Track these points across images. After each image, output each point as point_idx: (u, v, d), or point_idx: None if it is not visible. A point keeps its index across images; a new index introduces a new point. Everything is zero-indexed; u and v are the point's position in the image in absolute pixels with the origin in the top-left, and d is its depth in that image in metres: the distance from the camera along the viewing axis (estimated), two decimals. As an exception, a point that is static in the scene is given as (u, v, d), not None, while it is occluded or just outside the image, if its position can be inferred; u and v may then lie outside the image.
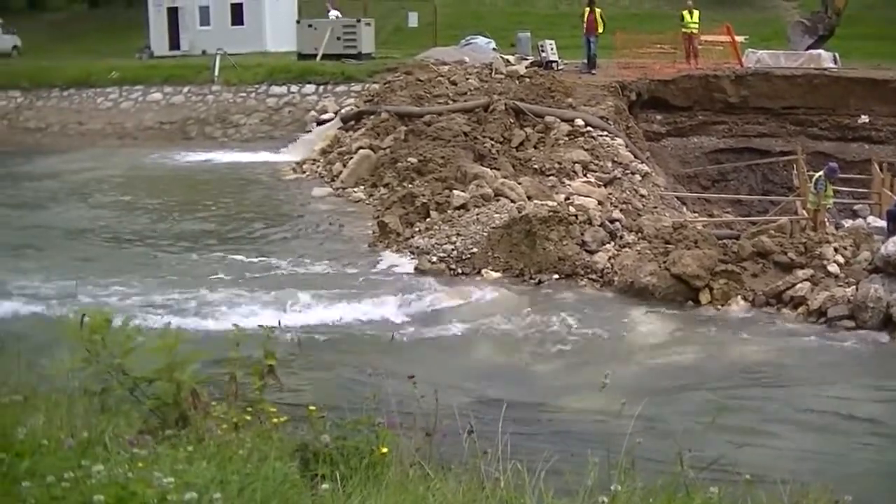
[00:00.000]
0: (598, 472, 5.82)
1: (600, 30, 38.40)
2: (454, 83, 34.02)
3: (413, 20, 54.20)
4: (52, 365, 7.66)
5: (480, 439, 6.56)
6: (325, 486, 5.55)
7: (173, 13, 57.27)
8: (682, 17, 39.61)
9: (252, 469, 5.66)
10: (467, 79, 34.48)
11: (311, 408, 6.89)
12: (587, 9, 38.79)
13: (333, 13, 48.14)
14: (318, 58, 43.31)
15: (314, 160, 32.18)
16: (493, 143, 27.77)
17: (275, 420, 7.04)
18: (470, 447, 6.47)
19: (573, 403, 12.85)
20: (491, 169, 25.33)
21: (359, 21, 45.22)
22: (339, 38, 44.03)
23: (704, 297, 18.86)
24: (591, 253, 20.63)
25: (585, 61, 38.35)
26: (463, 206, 22.62)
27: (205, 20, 56.65)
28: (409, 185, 24.61)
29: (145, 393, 7.23)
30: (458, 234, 21.15)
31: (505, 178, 24.68)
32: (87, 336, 7.17)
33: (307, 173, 31.32)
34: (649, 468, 6.23)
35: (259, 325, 8.15)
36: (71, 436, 6.16)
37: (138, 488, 4.90)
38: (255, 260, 20.84)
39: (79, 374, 7.35)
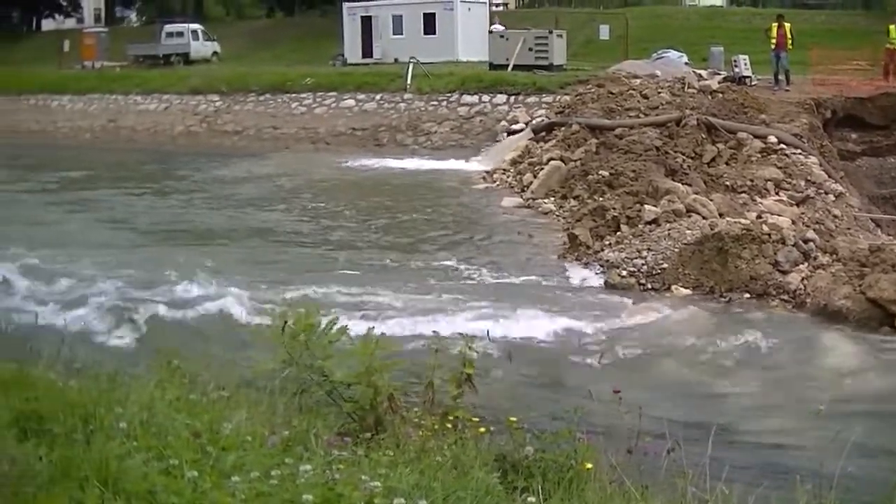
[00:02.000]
0: (809, 499, 5.67)
1: (790, 45, 37.68)
2: (646, 97, 33.79)
3: (604, 33, 53.97)
4: (257, 366, 7.84)
5: (680, 459, 6.45)
6: (531, 499, 5.52)
7: (367, 22, 58.29)
8: (889, 32, 38.44)
9: (454, 477, 5.67)
10: (659, 93, 34.20)
11: (512, 419, 6.88)
12: (775, 24, 38.12)
13: (497, 26, 48.55)
14: (510, 68, 43.52)
15: (504, 170, 32.28)
16: (684, 158, 27.40)
17: (481, 430, 7.05)
18: (670, 466, 6.37)
19: (773, 426, 12.56)
20: (682, 184, 25.00)
21: (551, 32, 45.31)
22: (530, 49, 44.19)
23: (901, 323, 18.27)
24: (784, 273, 20.14)
25: (774, 77, 37.66)
26: (654, 221, 22.34)
27: (397, 29, 57.49)
28: (600, 198, 24.45)
29: (342, 396, 7.34)
30: (648, 249, 20.89)
31: (696, 193, 24.33)
32: (288, 338, 7.32)
33: (497, 183, 31.46)
34: (861, 499, 6.05)
35: (459, 334, 8.19)
36: (273, 433, 6.26)
37: (345, 490, 4.95)
38: (448, 268, 20.91)
39: (278, 374, 7.50)
